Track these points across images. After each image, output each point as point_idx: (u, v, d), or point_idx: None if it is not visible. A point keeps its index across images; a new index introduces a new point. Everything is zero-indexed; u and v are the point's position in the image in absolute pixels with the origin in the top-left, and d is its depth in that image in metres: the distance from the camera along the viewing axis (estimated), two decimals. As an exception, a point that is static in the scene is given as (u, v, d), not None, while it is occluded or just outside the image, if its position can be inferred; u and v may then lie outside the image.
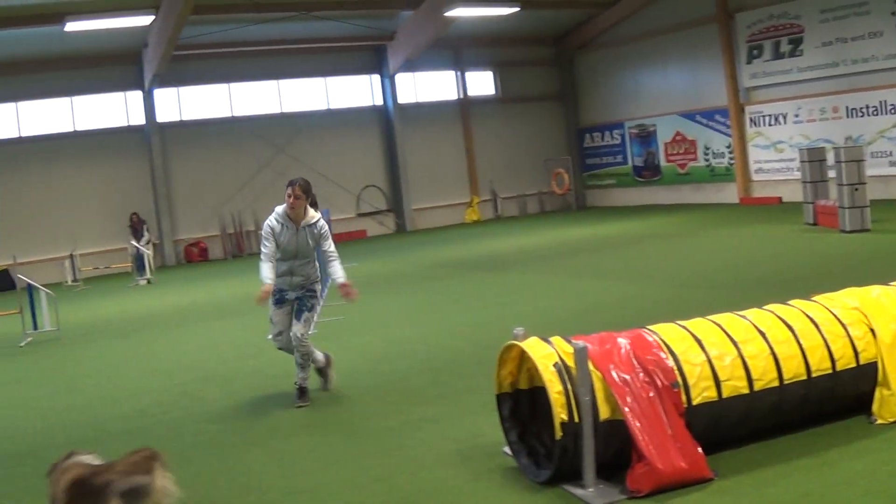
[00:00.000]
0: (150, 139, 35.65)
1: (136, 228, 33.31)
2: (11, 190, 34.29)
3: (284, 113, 38.47)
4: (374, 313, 17.07)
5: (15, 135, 34.68)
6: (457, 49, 40.78)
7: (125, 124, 36.04)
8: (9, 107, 34.55)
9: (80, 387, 13.22)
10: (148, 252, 29.70)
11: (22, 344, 17.91)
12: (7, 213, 34.18)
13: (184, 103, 37.00)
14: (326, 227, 11.70)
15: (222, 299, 22.40)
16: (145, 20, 30.45)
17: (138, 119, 36.01)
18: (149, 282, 28.67)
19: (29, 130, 34.77)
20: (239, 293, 23.16)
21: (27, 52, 33.45)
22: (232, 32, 34.33)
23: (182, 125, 36.76)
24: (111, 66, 35.50)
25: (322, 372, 11.31)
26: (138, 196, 35.65)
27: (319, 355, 11.29)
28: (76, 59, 34.50)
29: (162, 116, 36.22)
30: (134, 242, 31.14)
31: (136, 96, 36.02)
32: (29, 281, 19.07)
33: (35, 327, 18.72)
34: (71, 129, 35.31)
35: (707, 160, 36.51)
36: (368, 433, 9.14)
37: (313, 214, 11.55)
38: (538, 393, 7.45)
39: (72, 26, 29.19)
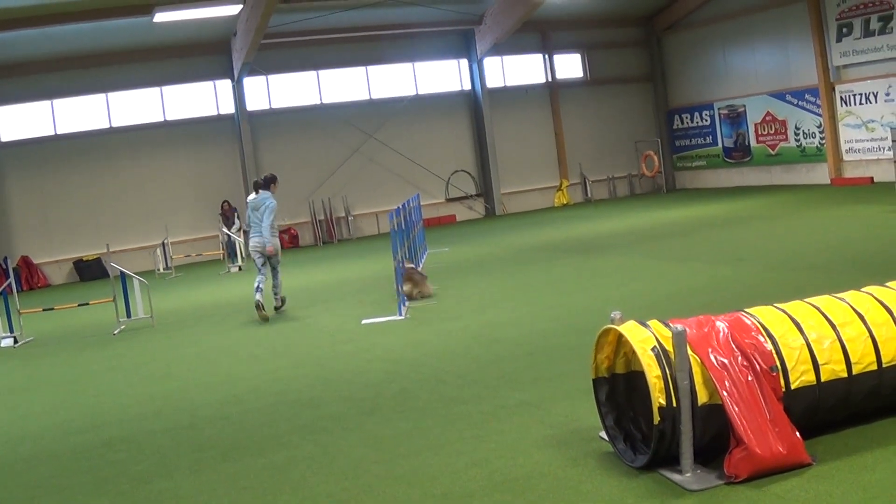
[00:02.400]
0: (240, 127, 35.92)
1: (228, 216, 33.54)
2: (103, 180, 34.77)
3: (373, 99, 38.53)
4: (466, 297, 17.05)
5: (106, 125, 35.10)
6: (544, 32, 40.59)
7: (215, 113, 36.36)
8: (99, 98, 35.01)
9: (174, 373, 13.36)
10: (239, 239, 29.92)
11: (115, 332, 18.13)
12: (99, 202, 34.67)
13: (273, 91, 37.19)
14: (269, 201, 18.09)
15: (313, 285, 22.49)
16: (234, 9, 30.64)
17: (228, 108, 36.31)
18: (240, 269, 28.89)
19: (120, 121, 35.20)
20: (330, 279, 23.30)
21: (117, 42, 33.84)
22: (320, 20, 34.45)
23: (271, 113, 36.98)
24: (200, 56, 35.81)
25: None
26: (228, 184, 35.96)
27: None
28: (165, 49, 34.84)
29: (251, 105, 36.47)
30: (225, 230, 31.40)
31: (225, 85, 36.30)
32: (122, 269, 19.27)
33: (128, 315, 18.92)
34: (161, 119, 35.68)
35: (798, 140, 35.97)
36: (464, 417, 9.09)
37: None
38: (635, 377, 7.36)
39: (161, 17, 29.44)
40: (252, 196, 18.47)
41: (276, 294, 18.44)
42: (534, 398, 9.47)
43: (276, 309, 18.36)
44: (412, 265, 18.60)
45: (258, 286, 17.60)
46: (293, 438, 9.13)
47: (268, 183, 18.41)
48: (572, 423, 8.50)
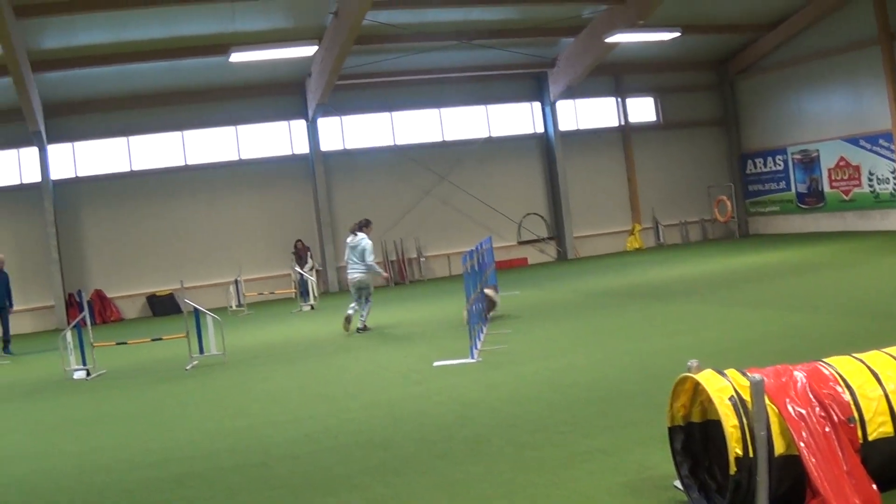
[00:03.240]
0: (314, 167, 36.16)
1: (301, 255, 33.75)
2: (178, 216, 35.16)
3: (446, 141, 38.68)
4: (538, 341, 17.00)
5: (181, 163, 35.51)
6: (617, 75, 40.64)
7: (289, 153, 36.67)
8: (175, 135, 35.49)
9: (246, 411, 13.40)
10: (312, 278, 30.06)
11: (188, 367, 18.28)
12: (173, 238, 35.04)
13: (347, 132, 37.42)
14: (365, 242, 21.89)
15: (385, 326, 22.47)
16: (309, 51, 30.85)
17: (302, 148, 36.60)
18: (312, 308, 29.02)
19: (195, 159, 35.60)
20: (401, 320, 23.30)
21: (193, 81, 34.32)
22: (394, 62, 34.69)
23: (345, 154, 37.23)
24: (275, 96, 36.20)
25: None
26: (302, 223, 36.21)
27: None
28: (241, 88, 35.27)
29: (325, 145, 36.72)
30: (298, 269, 31.55)
31: (299, 125, 36.61)
32: (195, 306, 19.42)
33: (201, 351, 19.08)
34: (236, 158, 36.02)
35: (871, 186, 35.63)
36: (537, 463, 9.03)
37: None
38: (711, 426, 7.31)
39: (237, 57, 29.71)
40: (350, 237, 22.15)
41: (362, 318, 21.86)
42: (607, 445, 9.39)
43: (359, 329, 21.68)
44: (490, 289, 21.53)
45: (351, 307, 21.84)
46: (365, 479, 9.12)
47: (361, 227, 22.28)
48: (646, 471, 8.43)
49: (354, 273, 21.83)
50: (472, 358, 15.25)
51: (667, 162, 41.82)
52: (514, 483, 8.52)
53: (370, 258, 21.71)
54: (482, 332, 17.78)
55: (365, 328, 21.78)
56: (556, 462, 9.02)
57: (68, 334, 19.50)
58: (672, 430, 7.60)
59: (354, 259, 21.83)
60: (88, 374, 18.74)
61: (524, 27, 34.93)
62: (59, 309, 33.61)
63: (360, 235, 21.95)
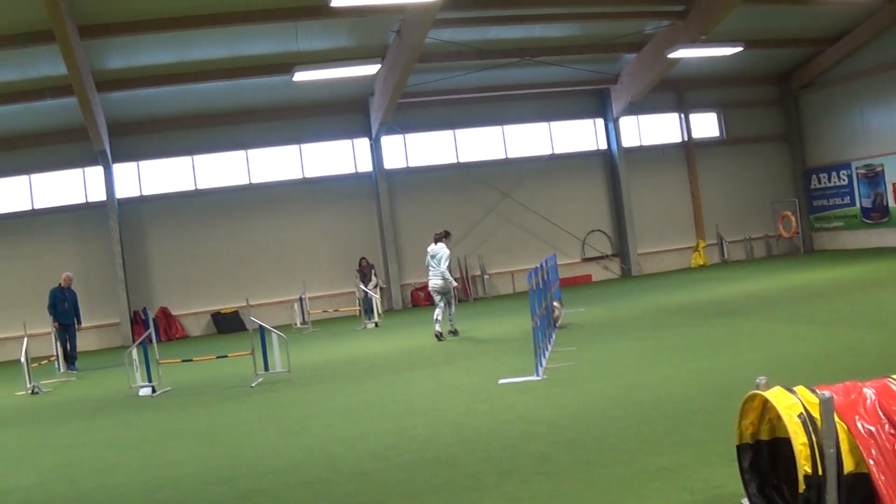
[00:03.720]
0: (378, 185, 36.28)
1: (365, 272, 33.85)
2: (242, 235, 35.41)
3: (509, 158, 38.67)
4: (603, 359, 16.92)
5: (245, 181, 35.76)
6: (680, 91, 40.47)
7: (353, 171, 36.80)
8: (239, 154, 35.76)
9: (311, 428, 13.44)
10: (376, 296, 30.12)
11: (253, 384, 18.38)
12: (237, 256, 35.28)
13: (410, 150, 37.51)
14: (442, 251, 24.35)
15: (449, 344, 22.50)
16: (372, 69, 30.99)
17: (366, 166, 36.75)
18: (376, 325, 29.07)
19: (259, 177, 35.85)
20: (466, 336, 23.31)
21: (257, 100, 34.59)
22: (456, 79, 34.75)
23: (408, 171, 37.33)
24: (339, 115, 36.39)
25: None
26: (366, 241, 36.35)
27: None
28: (304, 107, 35.51)
29: (389, 163, 36.83)
30: (362, 286, 31.64)
31: (363, 143, 36.76)
32: (261, 323, 19.53)
33: (266, 368, 19.20)
34: (300, 177, 36.22)
35: (937, 201, 35.36)
36: (604, 481, 8.99)
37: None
38: (780, 444, 7.25)
39: (300, 76, 29.86)
40: (431, 246, 24.49)
41: (451, 321, 24.19)
42: (674, 463, 9.33)
43: (452, 333, 23.94)
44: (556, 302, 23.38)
45: (437, 318, 23.56)
46: (431, 498, 9.12)
47: (441, 237, 24.65)
48: (713, 489, 8.37)
49: (433, 280, 24.11)
50: (538, 375, 15.21)
51: (730, 177, 41.54)
52: (581, 501, 8.49)
53: (443, 265, 23.93)
54: (547, 349, 17.74)
55: (456, 333, 24.02)
56: (623, 480, 8.98)
57: (134, 351, 19.72)
58: (740, 448, 7.54)
59: (433, 266, 24.16)
60: (154, 390, 18.89)
61: (586, 43, 34.93)
62: (124, 326, 33.93)
63: (440, 245, 24.32)
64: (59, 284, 27.49)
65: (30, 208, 35.01)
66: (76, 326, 27.47)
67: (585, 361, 16.50)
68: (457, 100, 36.98)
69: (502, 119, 38.57)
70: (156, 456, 12.66)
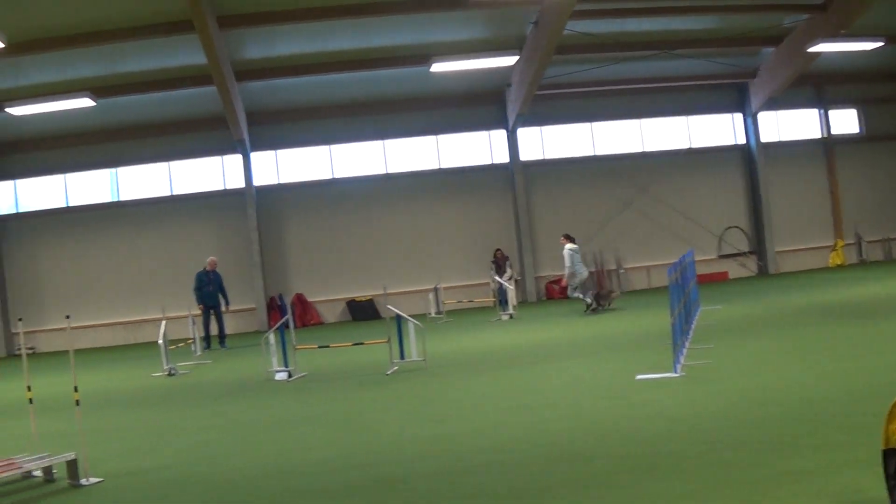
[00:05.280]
0: (514, 177, 36.22)
1: (500, 264, 33.86)
2: (379, 224, 35.67)
3: (646, 152, 38.34)
4: (741, 357, 16.61)
5: (382, 171, 35.96)
6: (819, 86, 39.71)
7: (489, 162, 36.78)
8: (376, 144, 35.98)
9: (446, 417, 13.43)
10: (510, 287, 30.07)
11: (388, 372, 18.47)
12: (373, 245, 35.55)
13: (546, 142, 37.39)
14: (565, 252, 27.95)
15: (584, 337, 22.39)
16: (509, 61, 30.95)
17: (502, 157, 36.70)
18: (511, 317, 29.02)
19: (395, 167, 36.02)
20: (601, 332, 23.14)
21: (394, 91, 34.81)
22: (594, 71, 34.54)
23: (545, 163, 37.23)
24: (475, 106, 36.42)
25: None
26: (501, 232, 36.35)
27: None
28: (441, 98, 35.58)
29: (525, 155, 36.73)
30: (497, 278, 31.61)
31: (499, 135, 36.70)
32: (398, 311, 19.58)
33: (402, 357, 19.27)
34: (436, 167, 36.30)
35: None
36: (740, 483, 8.73)
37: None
38: (930, 450, 7.04)
39: (438, 67, 29.91)
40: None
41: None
42: (812, 466, 9.04)
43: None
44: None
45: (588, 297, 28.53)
46: (566, 492, 8.99)
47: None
48: (854, 494, 8.09)
49: (585, 272, 29.01)
50: (675, 372, 15.01)
51: (871, 176, 40.63)
52: (718, 502, 8.30)
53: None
54: (684, 346, 17.53)
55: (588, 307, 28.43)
56: (760, 482, 8.73)
57: (271, 336, 19.91)
58: (887, 453, 7.31)
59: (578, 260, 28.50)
60: (290, 375, 19.08)
61: (724, 37, 34.50)
62: (260, 311, 34.42)
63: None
64: (205, 268, 28.14)
65: (169, 194, 35.63)
66: (223, 308, 28.25)
67: (723, 359, 16.23)
68: (594, 92, 36.75)
69: (639, 112, 38.28)
70: (291, 440, 12.76)
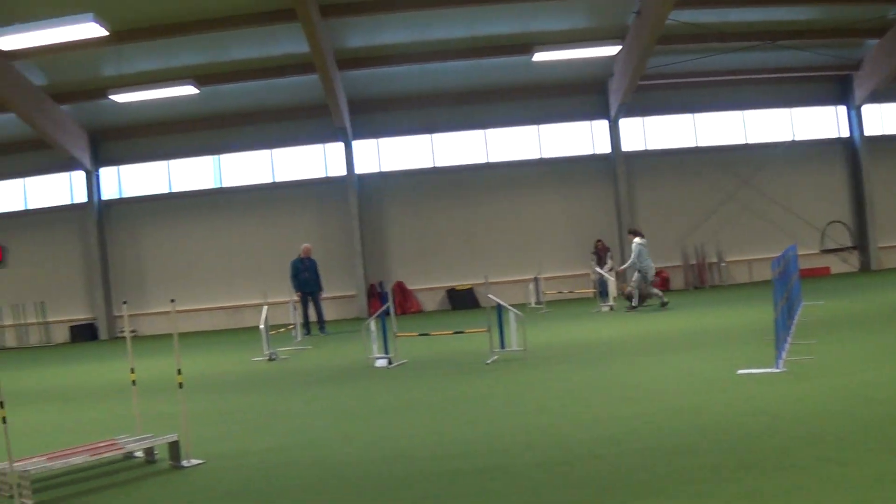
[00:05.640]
0: (616, 168, 36.08)
1: (601, 255, 33.79)
2: (479, 213, 35.86)
3: (748, 144, 37.97)
4: (845, 354, 16.36)
5: (483, 160, 36.03)
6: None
7: (590, 153, 36.66)
8: (478, 133, 36.06)
9: (546, 407, 13.39)
10: (611, 279, 29.98)
11: (488, 361, 18.51)
12: (474, 234, 35.71)
13: (648, 132, 37.19)
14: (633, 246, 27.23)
15: (684, 330, 22.26)
16: (611, 50, 30.81)
17: (604, 147, 36.56)
18: (611, 308, 28.94)
19: (497, 156, 36.06)
20: (701, 325, 22.99)
21: (496, 80, 34.89)
22: (696, 62, 34.25)
23: (647, 154, 37.06)
24: (576, 96, 36.42)
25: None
26: (602, 223, 36.28)
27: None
28: (543, 88, 35.58)
29: (627, 145, 36.59)
30: (598, 269, 31.51)
31: (601, 125, 36.57)
32: (499, 301, 19.58)
33: (502, 346, 19.31)
34: (538, 157, 36.28)
35: None
36: (846, 481, 8.59)
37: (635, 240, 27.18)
38: None
39: (540, 56, 29.85)
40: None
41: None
42: (924, 467, 8.93)
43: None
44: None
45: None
46: (668, 486, 8.95)
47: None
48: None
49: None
50: (777, 368, 14.86)
51: (982, 171, 39.85)
52: (822, 500, 8.19)
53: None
54: (787, 341, 17.34)
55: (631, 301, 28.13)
56: (865, 481, 8.59)
57: (372, 323, 20.03)
58: None
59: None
60: (390, 362, 19.23)
61: (828, 28, 34.02)
62: (360, 298, 34.71)
63: None
64: (299, 255, 28.35)
65: (271, 181, 35.99)
66: (318, 294, 28.51)
67: (826, 356, 16.00)
68: (696, 83, 36.47)
69: (742, 104, 37.96)
70: (392, 426, 12.84)
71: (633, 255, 27.74)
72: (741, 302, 28.51)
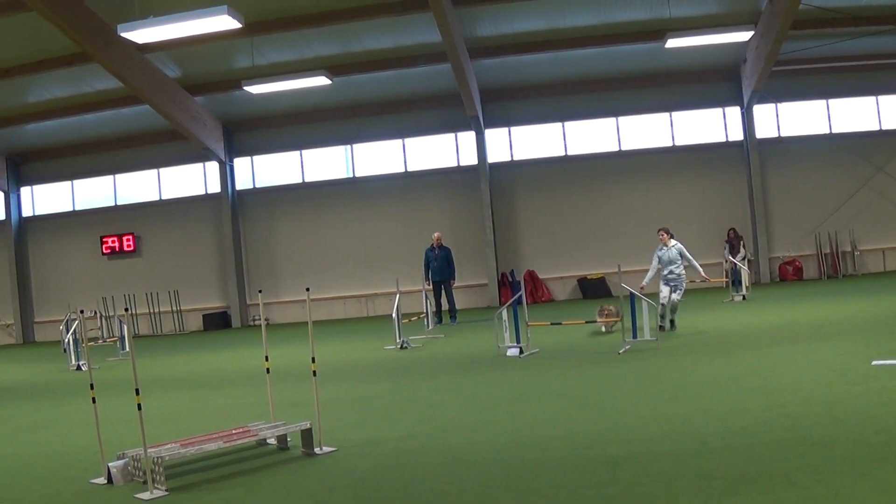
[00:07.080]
0: (749, 155, 35.68)
1: (733, 244, 33.51)
2: (611, 202, 36.08)
3: (883, 130, 37.18)
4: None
5: (615, 148, 35.94)
6: None
7: (723, 140, 36.32)
8: (609, 121, 36.02)
9: (679, 398, 13.39)
10: (744, 268, 29.71)
11: (621, 351, 18.56)
12: (605, 223, 35.74)
13: (782, 119, 36.71)
14: (681, 247, 22.85)
15: (817, 320, 21.95)
16: (744, 36, 30.42)
17: (736, 135, 36.17)
18: (744, 298, 28.71)
19: (629, 144, 36.04)
20: (834, 315, 22.65)
21: (628, 67, 34.75)
22: (829, 47, 33.70)
23: (779, 141, 36.61)
24: (708, 82, 36.07)
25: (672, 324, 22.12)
26: (735, 211, 35.91)
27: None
28: (675, 74, 35.33)
29: (760, 132, 36.23)
30: (730, 257, 31.26)
31: (734, 112, 36.20)
32: (631, 290, 19.55)
33: (634, 336, 19.28)
34: (669, 144, 36.08)
35: None
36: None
37: (673, 242, 22.84)
38: None
39: (672, 42, 29.66)
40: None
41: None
42: None
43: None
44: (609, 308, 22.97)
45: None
46: (802, 478, 8.90)
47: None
48: None
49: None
50: (915, 358, 14.65)
51: None
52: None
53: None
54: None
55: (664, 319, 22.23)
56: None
57: (504, 312, 20.13)
58: None
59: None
60: (521, 352, 19.32)
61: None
62: (491, 287, 34.84)
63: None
64: (431, 244, 28.54)
65: (403, 171, 36.33)
66: (450, 282, 28.64)
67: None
68: (829, 68, 35.83)
69: (876, 89, 37.09)
70: (523, 415, 12.95)
71: (689, 256, 22.93)
72: (875, 291, 28.03)
